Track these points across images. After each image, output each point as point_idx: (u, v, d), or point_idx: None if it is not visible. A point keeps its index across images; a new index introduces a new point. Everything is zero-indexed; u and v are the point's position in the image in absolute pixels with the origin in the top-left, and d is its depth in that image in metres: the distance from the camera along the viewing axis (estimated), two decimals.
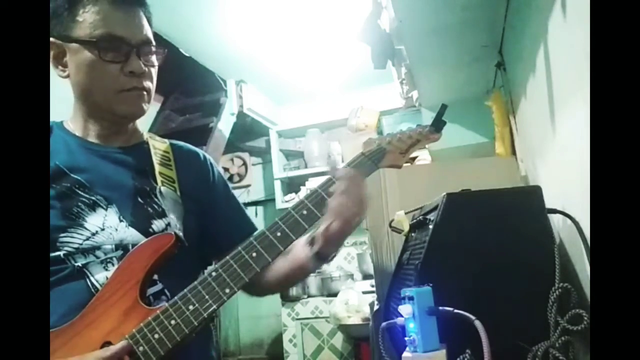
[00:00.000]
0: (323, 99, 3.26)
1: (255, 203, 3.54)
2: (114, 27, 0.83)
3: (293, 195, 3.24)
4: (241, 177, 3.61)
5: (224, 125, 2.79)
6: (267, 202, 3.51)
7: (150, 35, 0.89)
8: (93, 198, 0.85)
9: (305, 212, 0.80)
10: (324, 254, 0.85)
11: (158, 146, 0.98)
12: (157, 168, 0.92)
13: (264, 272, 0.91)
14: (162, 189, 0.90)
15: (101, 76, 0.84)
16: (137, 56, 0.85)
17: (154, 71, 0.90)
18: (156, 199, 0.89)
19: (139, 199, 0.88)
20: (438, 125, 0.86)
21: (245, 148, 3.58)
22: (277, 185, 3.30)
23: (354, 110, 3.08)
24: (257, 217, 3.53)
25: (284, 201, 3.25)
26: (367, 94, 3.09)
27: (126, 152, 0.93)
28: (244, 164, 3.62)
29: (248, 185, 3.60)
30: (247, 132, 3.38)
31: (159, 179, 0.91)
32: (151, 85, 0.89)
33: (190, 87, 2.89)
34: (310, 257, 0.85)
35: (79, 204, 0.83)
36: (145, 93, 0.88)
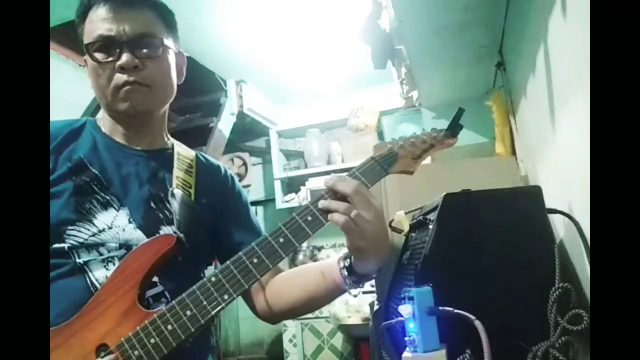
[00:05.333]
0: (323, 99, 3.26)
1: (255, 203, 3.54)
2: (104, 28, 0.84)
3: (293, 195, 3.23)
4: (241, 177, 3.61)
5: (224, 125, 2.79)
6: (267, 202, 3.51)
7: (150, 30, 0.87)
8: (107, 197, 0.85)
9: (310, 217, 0.76)
10: (361, 272, 0.82)
11: (183, 153, 0.98)
12: (176, 172, 0.93)
13: (292, 292, 0.91)
14: (176, 191, 0.89)
15: (100, 77, 0.86)
16: (130, 52, 0.84)
17: (157, 63, 0.88)
18: (169, 206, 0.89)
19: (152, 204, 0.89)
20: (454, 129, 0.81)
21: (245, 148, 3.58)
22: (277, 185, 3.29)
23: (354, 110, 3.08)
24: (257, 217, 3.53)
25: (284, 201, 3.25)
26: (367, 94, 3.09)
27: (149, 155, 0.94)
28: (244, 164, 3.62)
29: (248, 185, 3.60)
30: (247, 132, 3.38)
31: (175, 181, 0.91)
32: (152, 77, 0.87)
33: (190, 87, 2.89)
34: (346, 275, 0.83)
35: (93, 200, 0.84)
36: (142, 86, 0.86)
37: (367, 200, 0.75)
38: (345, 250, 0.84)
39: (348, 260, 0.83)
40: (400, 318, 0.70)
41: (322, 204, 0.76)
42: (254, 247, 0.77)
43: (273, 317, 0.96)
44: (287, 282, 0.94)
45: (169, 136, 1.01)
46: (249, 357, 3.40)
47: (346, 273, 0.83)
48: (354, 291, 0.85)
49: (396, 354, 0.76)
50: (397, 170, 0.82)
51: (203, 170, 0.99)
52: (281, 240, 0.76)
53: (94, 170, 0.87)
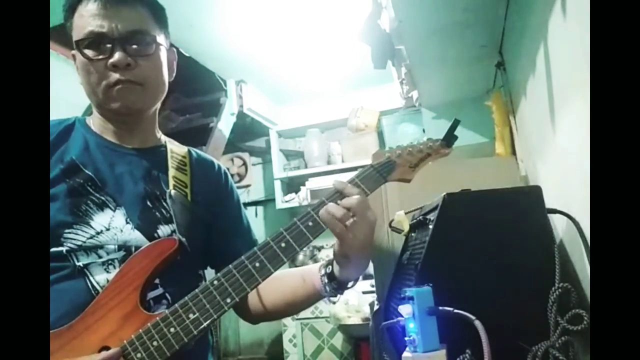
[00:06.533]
0: (323, 99, 3.26)
1: (255, 203, 3.55)
2: (96, 24, 0.82)
3: (293, 195, 3.23)
4: (241, 177, 3.61)
5: (224, 125, 2.79)
6: (267, 202, 3.51)
7: (142, 27, 0.86)
8: (103, 198, 0.85)
9: (311, 223, 0.77)
10: (341, 279, 0.84)
11: (176, 150, 0.98)
12: (171, 172, 0.92)
13: (270, 295, 0.93)
14: (173, 192, 0.89)
15: (91, 74, 0.84)
16: (122, 49, 0.83)
17: (149, 60, 0.87)
18: (165, 204, 0.88)
19: (148, 203, 0.88)
20: (450, 139, 0.86)
21: (245, 148, 3.58)
22: (277, 185, 3.29)
23: (354, 110, 3.08)
24: (257, 217, 3.53)
25: (284, 201, 3.25)
26: (367, 94, 3.09)
27: (141, 154, 0.92)
28: (244, 164, 3.62)
29: (248, 185, 3.60)
30: (247, 132, 3.38)
31: (171, 182, 0.90)
32: (145, 75, 0.86)
33: (190, 87, 2.89)
34: (326, 282, 0.85)
35: (88, 202, 0.83)
36: (135, 85, 0.85)
37: (366, 212, 0.77)
38: None
39: (330, 267, 0.86)
40: (400, 318, 0.70)
41: (322, 212, 0.77)
42: (256, 251, 0.77)
43: (252, 318, 0.98)
44: (267, 285, 0.93)
45: (160, 133, 1.00)
46: (249, 357, 3.41)
47: (326, 280, 0.85)
48: (333, 298, 0.88)
49: (396, 354, 0.76)
50: (395, 178, 0.85)
51: (197, 166, 0.99)
52: (283, 245, 0.77)
53: (87, 171, 0.85)
